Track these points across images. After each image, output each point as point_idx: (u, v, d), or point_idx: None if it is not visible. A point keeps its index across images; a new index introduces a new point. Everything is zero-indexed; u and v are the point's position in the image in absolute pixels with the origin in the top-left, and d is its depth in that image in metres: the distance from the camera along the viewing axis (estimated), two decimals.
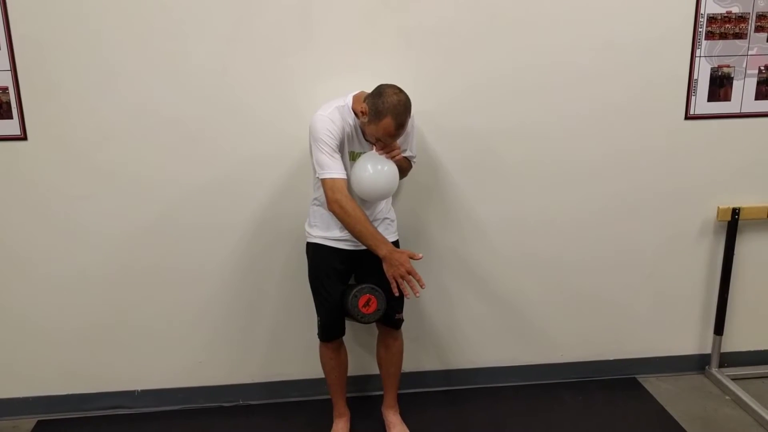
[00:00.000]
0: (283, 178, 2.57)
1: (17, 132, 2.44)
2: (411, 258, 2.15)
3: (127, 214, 2.55)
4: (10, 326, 2.64)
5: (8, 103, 2.41)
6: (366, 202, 2.29)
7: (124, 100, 2.45)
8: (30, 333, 2.65)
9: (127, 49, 2.40)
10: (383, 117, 2.08)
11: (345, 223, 2.17)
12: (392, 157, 2.21)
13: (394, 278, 2.14)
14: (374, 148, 2.21)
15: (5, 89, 2.40)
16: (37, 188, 2.50)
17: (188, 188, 2.56)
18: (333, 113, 2.17)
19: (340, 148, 2.20)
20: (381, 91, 2.11)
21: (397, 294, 2.17)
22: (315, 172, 2.20)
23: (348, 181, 2.21)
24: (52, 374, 2.70)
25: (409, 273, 2.13)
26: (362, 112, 2.13)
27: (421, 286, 2.15)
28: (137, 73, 2.42)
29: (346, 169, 2.20)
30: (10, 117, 2.42)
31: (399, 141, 2.24)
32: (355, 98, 2.22)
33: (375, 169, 2.18)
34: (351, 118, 2.21)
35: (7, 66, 2.37)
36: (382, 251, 2.15)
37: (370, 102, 2.11)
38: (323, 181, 2.16)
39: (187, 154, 2.52)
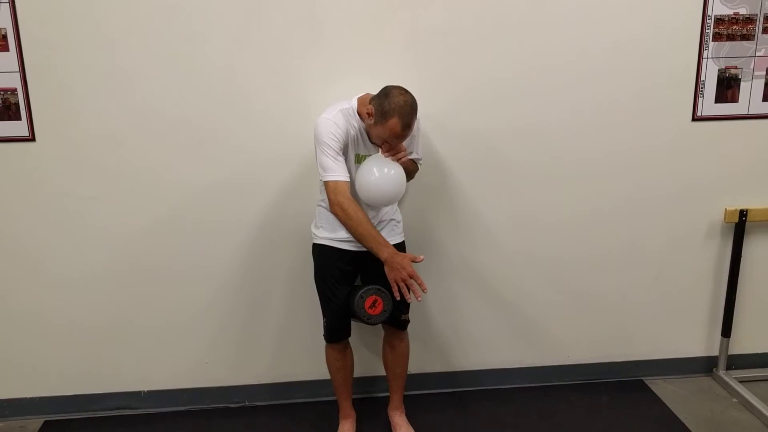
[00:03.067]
0: (290, 179, 2.58)
1: (25, 133, 2.45)
2: (413, 261, 2.15)
3: (135, 214, 2.56)
4: (17, 326, 2.65)
5: (17, 105, 2.42)
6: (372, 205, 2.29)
7: (131, 101, 2.46)
8: (37, 333, 2.66)
9: (134, 50, 2.41)
10: (389, 118, 2.08)
11: (347, 225, 2.17)
12: (398, 159, 2.21)
13: (396, 282, 2.14)
14: (380, 150, 2.21)
15: (14, 90, 2.41)
16: (45, 188, 2.51)
17: (195, 188, 2.56)
18: (337, 116, 2.18)
19: (345, 151, 2.20)
20: (387, 92, 2.11)
21: (398, 298, 2.16)
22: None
23: (353, 185, 2.21)
24: (59, 375, 2.71)
25: (410, 276, 2.12)
26: (368, 113, 2.13)
27: (423, 290, 2.14)
28: (144, 73, 2.43)
29: (350, 172, 2.20)
30: (19, 118, 2.43)
31: (405, 143, 2.25)
32: (360, 100, 2.22)
33: (381, 173, 2.18)
34: (355, 121, 2.22)
35: (16, 68, 2.39)
36: (383, 254, 2.14)
37: (376, 103, 2.11)
38: (326, 183, 2.16)
39: (194, 154, 2.53)
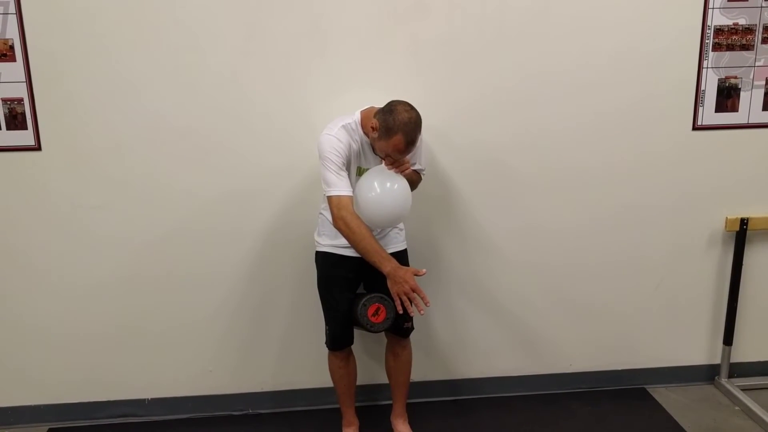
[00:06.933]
0: (294, 188, 2.59)
1: (32, 142, 2.47)
2: (415, 275, 2.16)
3: (140, 223, 2.58)
4: (21, 334, 2.66)
5: (23, 114, 2.44)
6: None
7: (137, 111, 2.48)
8: (41, 341, 2.67)
9: (140, 61, 2.43)
10: (394, 134, 2.09)
11: (350, 239, 2.18)
12: (401, 172, 2.22)
13: (398, 295, 2.14)
14: (383, 162, 2.23)
15: (20, 100, 2.43)
16: (51, 198, 2.53)
17: (199, 198, 2.58)
18: (339, 132, 2.20)
19: (347, 166, 2.21)
20: (392, 107, 2.13)
21: (401, 312, 2.17)
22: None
23: (356, 198, 2.22)
24: (63, 382, 2.72)
25: (413, 290, 2.13)
26: (373, 128, 2.14)
27: (425, 304, 2.15)
28: (150, 84, 2.46)
29: (353, 186, 2.21)
30: (25, 128, 2.45)
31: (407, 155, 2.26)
32: (364, 114, 2.24)
33: (383, 188, 2.17)
34: (358, 135, 2.23)
35: (23, 78, 2.41)
36: (386, 268, 2.15)
37: (381, 118, 2.12)
38: (329, 198, 2.18)
39: (198, 164, 2.55)
